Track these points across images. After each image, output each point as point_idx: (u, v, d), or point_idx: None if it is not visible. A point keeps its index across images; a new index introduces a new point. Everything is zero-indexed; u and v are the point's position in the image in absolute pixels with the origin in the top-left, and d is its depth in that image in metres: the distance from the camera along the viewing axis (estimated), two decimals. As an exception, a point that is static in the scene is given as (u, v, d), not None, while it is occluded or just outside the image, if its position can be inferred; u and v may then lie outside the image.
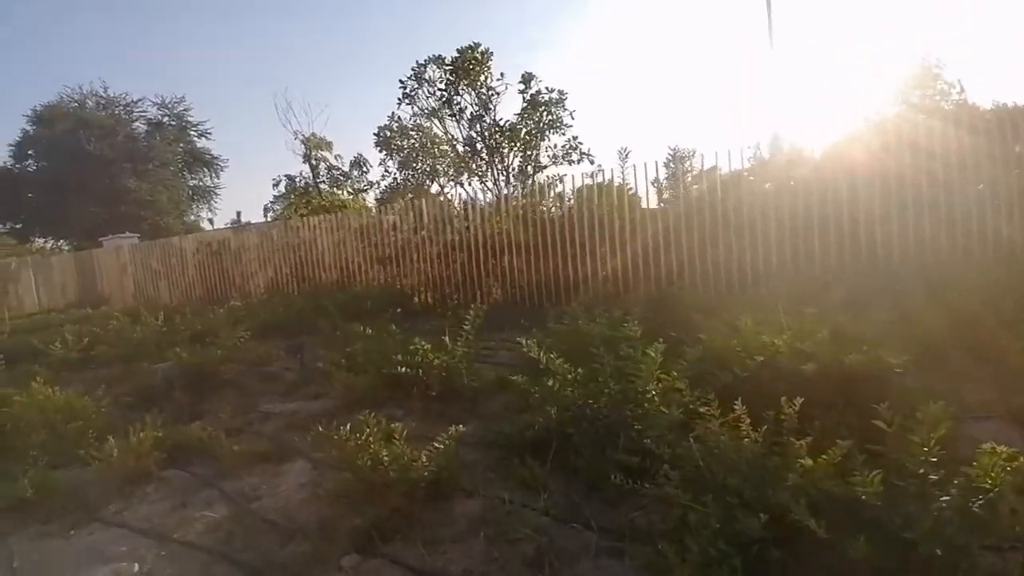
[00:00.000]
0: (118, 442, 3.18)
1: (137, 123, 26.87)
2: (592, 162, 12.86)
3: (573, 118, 12.84)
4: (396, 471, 2.52)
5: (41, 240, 28.56)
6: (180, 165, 27.26)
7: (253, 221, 19.18)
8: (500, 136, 12.70)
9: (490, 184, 13.23)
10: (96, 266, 15.31)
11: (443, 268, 9.31)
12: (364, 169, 19.28)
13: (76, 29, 51.44)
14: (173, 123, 27.00)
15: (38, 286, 18.28)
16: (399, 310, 8.27)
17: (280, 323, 7.56)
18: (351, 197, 19.46)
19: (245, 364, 5.35)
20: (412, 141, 13.96)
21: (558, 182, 8.08)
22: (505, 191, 12.43)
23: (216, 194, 31.12)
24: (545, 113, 12.32)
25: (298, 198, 20.01)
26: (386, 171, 14.70)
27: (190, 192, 29.72)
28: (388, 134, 14.33)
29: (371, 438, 2.64)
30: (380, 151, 15.20)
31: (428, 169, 14.29)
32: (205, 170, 29.18)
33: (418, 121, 14.05)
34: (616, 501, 2.40)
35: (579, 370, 2.98)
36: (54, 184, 24.74)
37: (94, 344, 6.58)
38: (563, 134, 12.74)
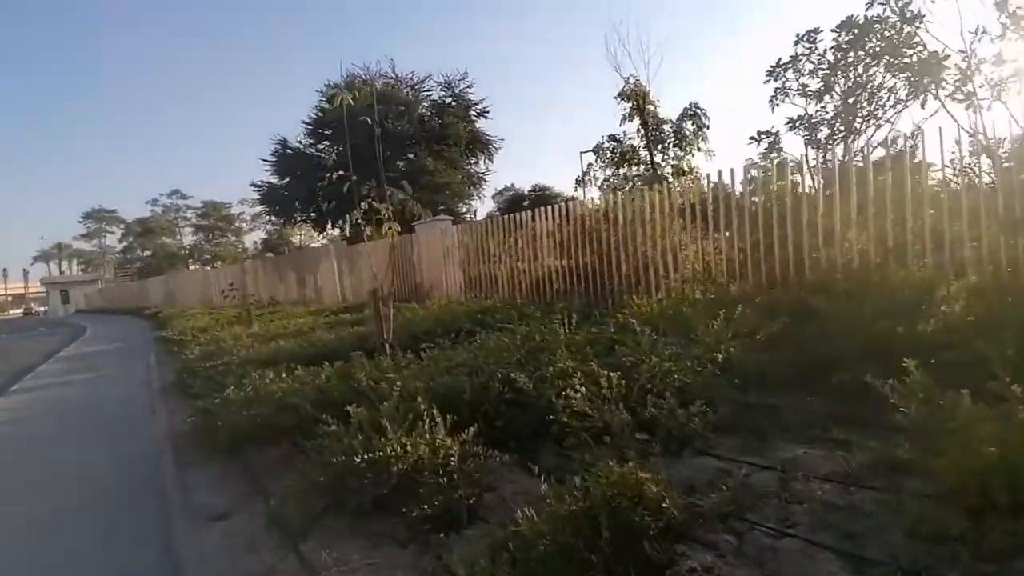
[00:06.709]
0: None
1: (424, 103, 25.79)
2: None
3: None
4: None
5: (338, 226, 25.29)
6: (463, 147, 25.61)
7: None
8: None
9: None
10: (416, 252, 13.02)
11: None
12: (699, 125, 14.64)
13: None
14: (455, 103, 25.55)
15: (342, 276, 16.66)
16: None
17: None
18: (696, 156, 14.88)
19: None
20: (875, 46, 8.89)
21: None
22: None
23: (485, 180, 29.14)
24: None
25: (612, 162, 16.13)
26: (817, 97, 9.77)
27: (463, 176, 27.85)
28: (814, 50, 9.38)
29: None
30: (775, 78, 10.34)
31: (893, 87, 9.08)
32: (480, 153, 27.34)
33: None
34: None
35: None
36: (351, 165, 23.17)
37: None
38: None
